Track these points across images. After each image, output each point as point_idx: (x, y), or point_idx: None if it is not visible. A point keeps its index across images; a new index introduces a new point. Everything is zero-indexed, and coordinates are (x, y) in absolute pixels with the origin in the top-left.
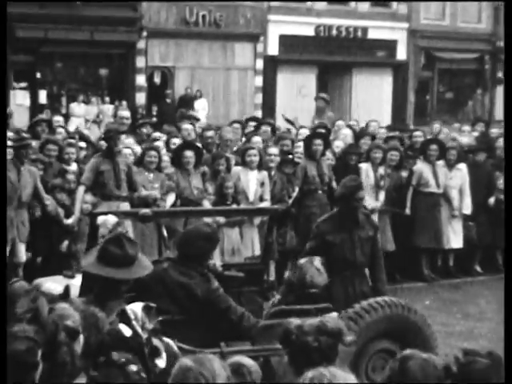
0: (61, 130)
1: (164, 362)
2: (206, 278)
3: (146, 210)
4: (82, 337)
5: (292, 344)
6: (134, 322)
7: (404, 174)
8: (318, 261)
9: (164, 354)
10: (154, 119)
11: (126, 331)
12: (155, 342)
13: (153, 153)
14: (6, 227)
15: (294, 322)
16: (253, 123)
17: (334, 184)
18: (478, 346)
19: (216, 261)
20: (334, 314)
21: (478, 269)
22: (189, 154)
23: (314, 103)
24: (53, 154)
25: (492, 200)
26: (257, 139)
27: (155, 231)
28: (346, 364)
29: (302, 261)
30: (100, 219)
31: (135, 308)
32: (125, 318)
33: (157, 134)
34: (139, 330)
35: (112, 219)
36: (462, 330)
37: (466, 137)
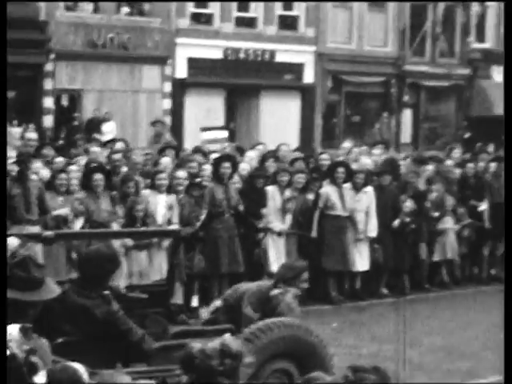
0: None
1: (43, 378)
2: (106, 299)
3: (48, 232)
4: None
5: (196, 368)
6: (11, 344)
7: (310, 196)
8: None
9: (43, 371)
10: (61, 142)
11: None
12: (33, 359)
13: (63, 176)
14: (5, 228)
15: (196, 346)
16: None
17: (241, 207)
18: (385, 367)
19: (121, 282)
20: (228, 335)
21: (385, 291)
22: (98, 176)
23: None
24: None
25: (396, 222)
26: (166, 160)
27: (64, 253)
28: None
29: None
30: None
31: (11, 330)
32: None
33: (60, 159)
34: (17, 350)
35: (13, 241)
36: (369, 352)
37: (369, 159)
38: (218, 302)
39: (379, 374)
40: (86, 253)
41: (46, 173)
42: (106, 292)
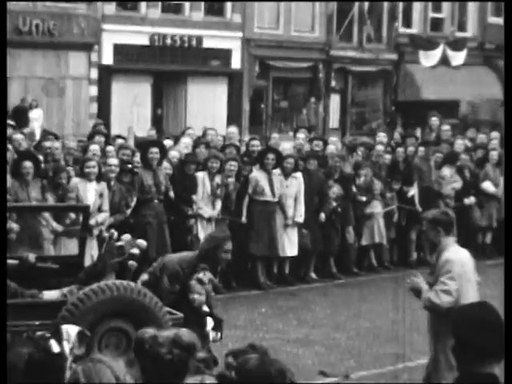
0: None
1: None
2: None
3: None
4: None
5: (145, 354)
6: (64, 342)
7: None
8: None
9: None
10: None
11: (55, 347)
12: (78, 368)
13: None
14: (6, 228)
15: (149, 331)
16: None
17: (172, 193)
18: (314, 351)
19: (30, 254)
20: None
21: (313, 276)
22: (27, 164)
23: (150, 112)
24: None
25: (323, 215)
26: (94, 147)
27: None
28: None
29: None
30: None
31: (70, 330)
32: (57, 336)
33: None
34: (67, 350)
35: None
36: (298, 337)
37: (289, 144)
38: (144, 276)
39: (258, 351)
40: None
41: None
42: None
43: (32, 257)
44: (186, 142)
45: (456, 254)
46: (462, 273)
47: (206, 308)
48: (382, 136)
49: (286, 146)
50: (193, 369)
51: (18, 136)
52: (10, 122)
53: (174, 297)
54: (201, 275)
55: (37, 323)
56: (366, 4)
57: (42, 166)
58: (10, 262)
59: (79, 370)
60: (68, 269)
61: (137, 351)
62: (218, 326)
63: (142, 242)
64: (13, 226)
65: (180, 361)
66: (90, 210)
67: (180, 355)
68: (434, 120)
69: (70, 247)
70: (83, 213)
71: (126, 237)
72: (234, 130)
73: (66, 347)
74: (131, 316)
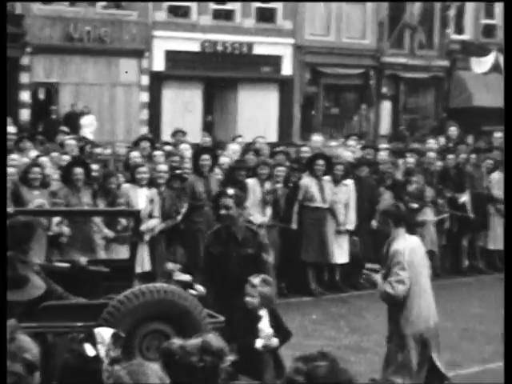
0: None
1: None
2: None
3: (8, 209)
4: (38, 373)
5: (175, 365)
6: (99, 346)
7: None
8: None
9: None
10: (39, 136)
11: (90, 351)
12: (116, 368)
13: (36, 169)
14: (5, 229)
15: (176, 342)
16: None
17: None
18: (365, 358)
19: (82, 258)
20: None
21: (364, 282)
22: (78, 170)
23: (200, 119)
24: None
25: (374, 222)
26: (135, 154)
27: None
28: None
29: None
30: None
31: (104, 332)
32: (91, 339)
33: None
34: (102, 353)
35: None
36: (349, 344)
37: (347, 151)
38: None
39: (328, 359)
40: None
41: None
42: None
43: (83, 260)
44: (234, 149)
45: (404, 244)
46: (411, 261)
47: (262, 312)
48: (432, 143)
49: (345, 154)
50: (224, 374)
51: (71, 142)
52: (62, 128)
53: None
54: (251, 278)
55: (79, 325)
56: (418, 10)
57: (94, 172)
58: (61, 265)
59: (123, 374)
60: (119, 273)
61: (166, 363)
62: (280, 336)
63: (200, 288)
64: (64, 229)
65: (211, 367)
66: (140, 215)
67: (211, 361)
68: (453, 130)
69: (121, 253)
70: (134, 218)
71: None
72: (319, 138)
73: (101, 350)
74: (172, 319)
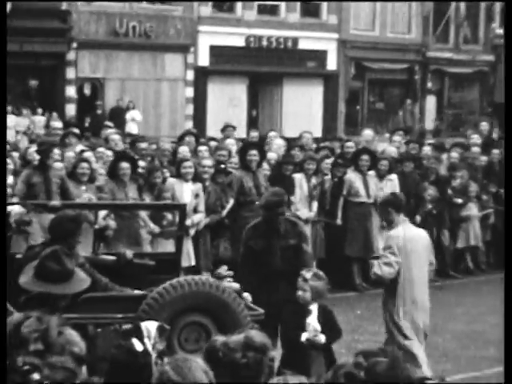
0: None
1: None
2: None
3: (55, 202)
4: (84, 367)
5: (219, 362)
6: (146, 340)
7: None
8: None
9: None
10: (86, 131)
11: (138, 346)
12: (165, 360)
13: (85, 165)
14: (5, 227)
15: (219, 339)
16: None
17: None
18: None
19: (127, 251)
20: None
21: None
22: (125, 165)
23: (245, 114)
24: None
25: (418, 218)
26: (183, 149)
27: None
28: None
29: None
30: (8, 209)
31: (150, 326)
32: (138, 334)
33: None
34: (150, 347)
35: (17, 209)
36: None
37: (392, 147)
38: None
39: (389, 356)
40: (54, 217)
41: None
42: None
43: (130, 253)
44: (278, 144)
45: (400, 231)
46: (405, 248)
47: (312, 307)
48: (476, 137)
49: (390, 149)
50: (267, 369)
51: (115, 137)
52: (108, 123)
53: None
54: (303, 272)
55: (119, 316)
56: (463, 5)
57: (140, 166)
58: (107, 257)
59: (168, 369)
60: (165, 266)
61: (210, 360)
62: (331, 334)
63: (248, 297)
64: (110, 223)
65: (255, 363)
66: (186, 209)
67: (255, 357)
68: (484, 125)
69: (167, 247)
70: (180, 211)
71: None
72: (370, 132)
73: (149, 344)
74: (210, 311)
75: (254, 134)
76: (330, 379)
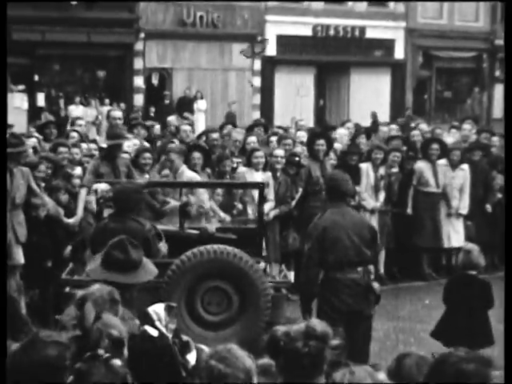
0: (74, 134)
1: (194, 358)
2: (139, 222)
3: (141, 181)
4: (125, 349)
5: (281, 351)
6: (157, 323)
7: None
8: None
9: (194, 350)
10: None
11: (153, 332)
12: (184, 337)
13: (147, 155)
14: (5, 227)
15: (280, 328)
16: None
17: None
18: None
19: (209, 225)
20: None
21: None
22: (197, 155)
23: (313, 103)
24: (65, 157)
25: (489, 206)
26: (252, 139)
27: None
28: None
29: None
30: (94, 186)
31: (157, 309)
32: (148, 320)
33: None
34: (164, 330)
35: (103, 186)
36: None
37: (452, 136)
38: None
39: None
40: (116, 190)
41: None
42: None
43: (212, 228)
44: (341, 133)
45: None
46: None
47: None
48: None
49: (450, 139)
50: (328, 358)
51: (186, 127)
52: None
53: None
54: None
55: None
56: None
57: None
58: (191, 231)
59: (214, 363)
60: (246, 240)
61: (272, 350)
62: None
63: None
64: (191, 199)
65: (317, 351)
66: (264, 187)
67: (316, 346)
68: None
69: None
70: (259, 190)
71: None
72: (468, 126)
73: (161, 327)
74: (229, 277)
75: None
76: (393, 368)
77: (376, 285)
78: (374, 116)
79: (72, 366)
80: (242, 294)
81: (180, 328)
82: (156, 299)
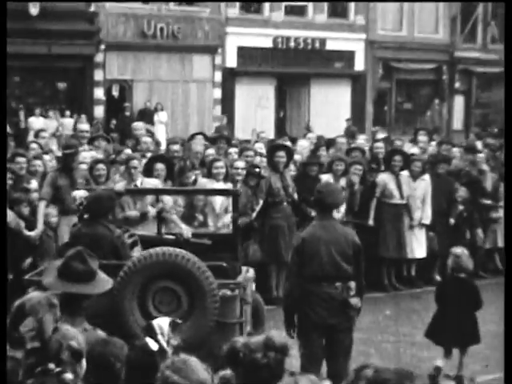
0: (34, 145)
1: None
2: (108, 228)
3: (119, 187)
4: (84, 360)
5: (240, 362)
6: (159, 337)
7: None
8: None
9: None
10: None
11: (153, 345)
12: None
13: (100, 166)
14: (5, 227)
15: (239, 340)
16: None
17: (296, 196)
18: (440, 354)
19: (185, 230)
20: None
21: (438, 278)
22: (160, 166)
23: (273, 114)
24: (23, 167)
25: (452, 221)
26: (210, 151)
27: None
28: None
29: (459, 250)
30: (73, 193)
31: (162, 323)
32: (151, 332)
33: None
34: (165, 345)
35: (81, 193)
36: (423, 340)
37: (413, 148)
38: None
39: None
40: (90, 196)
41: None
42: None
43: (187, 233)
44: (302, 145)
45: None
46: None
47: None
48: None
49: (413, 151)
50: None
51: (147, 139)
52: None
53: None
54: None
55: None
56: (491, 5)
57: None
58: (168, 237)
59: (169, 373)
60: (222, 245)
61: (231, 360)
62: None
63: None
64: (166, 206)
65: (276, 363)
66: (239, 194)
67: (275, 358)
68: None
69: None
70: (233, 197)
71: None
72: (424, 138)
73: (163, 341)
74: (178, 278)
75: (286, 138)
76: (352, 379)
77: (354, 300)
78: (348, 123)
79: (24, 382)
80: (191, 295)
81: (132, 326)
82: (110, 301)
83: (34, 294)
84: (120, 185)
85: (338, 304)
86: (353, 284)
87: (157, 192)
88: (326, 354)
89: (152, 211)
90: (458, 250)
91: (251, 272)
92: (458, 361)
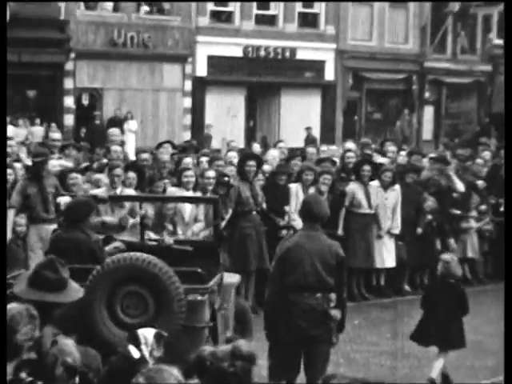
0: None
1: None
2: (86, 233)
3: (102, 195)
4: (77, 377)
5: (207, 371)
6: (143, 346)
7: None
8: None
9: None
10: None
11: (135, 353)
12: (163, 368)
13: (73, 175)
14: (5, 227)
15: (207, 349)
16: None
17: (264, 205)
18: (408, 364)
19: (167, 237)
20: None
21: (407, 288)
22: (131, 175)
23: (243, 124)
24: None
25: (420, 230)
26: (188, 160)
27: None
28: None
29: (448, 256)
30: (58, 199)
31: (147, 333)
32: (135, 341)
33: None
34: (147, 354)
35: (65, 199)
36: (392, 350)
37: (382, 158)
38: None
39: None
40: (69, 203)
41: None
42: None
43: (169, 240)
44: (273, 155)
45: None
46: None
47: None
48: (480, 150)
49: (381, 160)
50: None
51: (117, 148)
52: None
53: None
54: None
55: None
56: (460, 15)
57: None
58: (150, 243)
59: (141, 380)
60: (203, 251)
61: (197, 369)
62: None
63: None
64: (148, 213)
65: (243, 372)
66: (219, 202)
67: (242, 366)
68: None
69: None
70: (214, 204)
71: None
72: (393, 148)
73: (145, 351)
74: (145, 282)
75: (257, 146)
76: None
77: (334, 312)
78: (309, 131)
79: None
80: (158, 299)
81: (101, 329)
82: (80, 304)
83: (12, 305)
84: (102, 191)
85: (318, 315)
86: (333, 296)
87: (140, 199)
88: (304, 364)
89: (132, 220)
90: (448, 256)
91: (236, 278)
92: (435, 364)
